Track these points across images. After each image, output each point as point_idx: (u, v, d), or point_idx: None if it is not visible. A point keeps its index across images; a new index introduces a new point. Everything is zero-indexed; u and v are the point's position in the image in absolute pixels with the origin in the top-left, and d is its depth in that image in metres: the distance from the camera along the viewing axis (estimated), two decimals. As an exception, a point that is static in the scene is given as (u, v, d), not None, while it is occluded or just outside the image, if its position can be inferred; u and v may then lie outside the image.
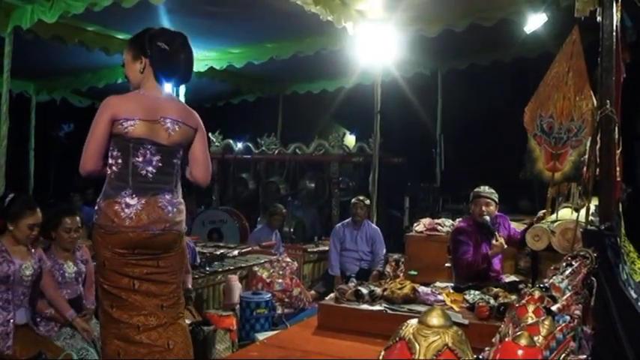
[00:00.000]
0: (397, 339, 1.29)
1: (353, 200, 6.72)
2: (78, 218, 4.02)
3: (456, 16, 5.82)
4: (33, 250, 3.65)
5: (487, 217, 4.44)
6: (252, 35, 6.85)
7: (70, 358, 3.58)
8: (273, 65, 7.46)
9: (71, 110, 10.84)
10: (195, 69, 7.61)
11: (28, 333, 3.60)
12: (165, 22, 6.07)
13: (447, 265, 4.68)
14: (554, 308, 1.68)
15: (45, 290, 3.75)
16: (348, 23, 5.60)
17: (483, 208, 4.44)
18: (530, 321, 1.54)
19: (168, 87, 3.10)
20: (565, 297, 1.90)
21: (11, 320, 3.49)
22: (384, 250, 6.61)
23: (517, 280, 4.44)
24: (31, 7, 5.14)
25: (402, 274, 5.61)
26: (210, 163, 3.14)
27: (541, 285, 1.98)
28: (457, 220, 5.66)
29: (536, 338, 1.38)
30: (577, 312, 1.86)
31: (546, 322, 1.46)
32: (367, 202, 6.69)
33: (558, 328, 1.47)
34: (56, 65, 8.13)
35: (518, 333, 1.35)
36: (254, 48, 7.28)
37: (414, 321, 1.34)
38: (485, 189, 4.46)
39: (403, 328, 1.31)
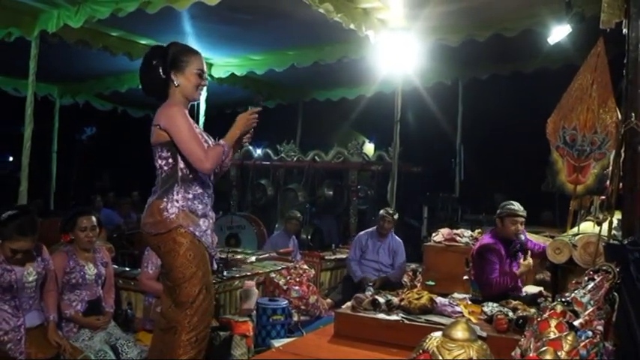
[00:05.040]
0: (421, 351, 1.28)
1: (382, 213, 6.53)
2: (93, 218, 4.06)
3: (478, 26, 5.79)
4: (35, 253, 3.67)
5: (522, 236, 4.38)
6: (274, 42, 6.88)
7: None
8: (294, 72, 7.49)
9: (94, 114, 10.99)
10: (216, 75, 7.77)
11: (43, 334, 3.63)
12: (188, 28, 6.13)
13: (465, 278, 4.63)
14: (576, 323, 1.66)
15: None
16: (369, 32, 5.61)
17: (519, 227, 4.35)
18: (552, 336, 1.51)
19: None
20: (587, 312, 1.87)
21: (22, 326, 3.52)
22: (404, 263, 6.53)
23: (535, 292, 4.40)
24: (57, 12, 5.23)
25: (419, 284, 5.57)
26: (192, 149, 2.91)
27: (563, 299, 1.95)
28: (476, 231, 5.61)
29: (558, 354, 1.36)
30: (599, 327, 1.82)
31: (569, 338, 1.44)
32: (396, 216, 6.56)
33: (582, 344, 1.45)
34: (80, 69, 8.24)
35: (543, 349, 1.33)
36: (275, 55, 7.32)
37: (438, 334, 1.33)
38: (519, 207, 4.37)
39: (427, 340, 1.30)
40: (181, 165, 2.97)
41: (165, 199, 2.94)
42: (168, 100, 3.04)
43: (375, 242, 6.53)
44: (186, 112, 3.05)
